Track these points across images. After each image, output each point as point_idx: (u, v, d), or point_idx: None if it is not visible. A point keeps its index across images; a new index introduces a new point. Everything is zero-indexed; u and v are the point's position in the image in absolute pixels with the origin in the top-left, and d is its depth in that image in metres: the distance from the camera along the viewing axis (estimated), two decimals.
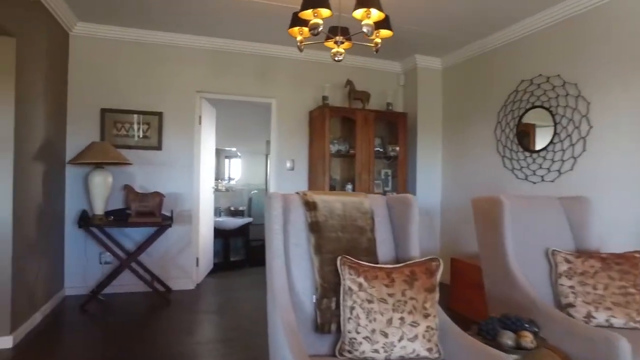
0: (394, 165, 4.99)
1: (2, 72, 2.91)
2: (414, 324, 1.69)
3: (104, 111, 4.19)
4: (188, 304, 4.04)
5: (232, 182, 6.77)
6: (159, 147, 4.36)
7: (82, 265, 4.15)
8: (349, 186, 4.68)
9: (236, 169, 6.81)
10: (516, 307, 2.06)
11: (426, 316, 1.72)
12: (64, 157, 4.04)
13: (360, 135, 4.60)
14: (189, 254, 4.51)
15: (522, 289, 2.06)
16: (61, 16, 3.78)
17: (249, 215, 6.77)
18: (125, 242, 4.28)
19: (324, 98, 4.67)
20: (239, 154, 6.80)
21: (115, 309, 3.84)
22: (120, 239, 4.25)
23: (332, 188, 4.73)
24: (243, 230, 6.41)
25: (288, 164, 4.82)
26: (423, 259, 1.88)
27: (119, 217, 4.05)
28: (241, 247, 6.49)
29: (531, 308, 2.01)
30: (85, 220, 3.80)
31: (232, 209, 6.62)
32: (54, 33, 3.78)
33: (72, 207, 4.07)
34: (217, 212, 6.41)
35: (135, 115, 4.29)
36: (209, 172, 5.13)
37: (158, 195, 4.03)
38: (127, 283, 4.10)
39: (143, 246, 4.01)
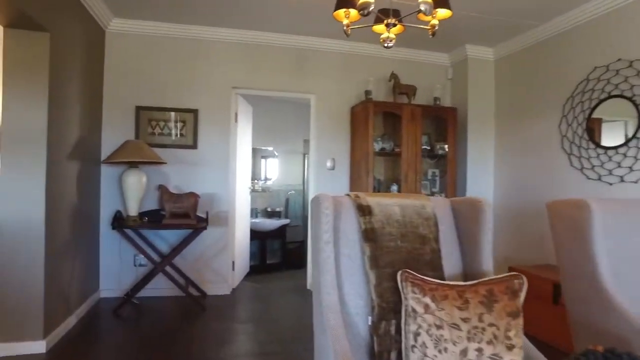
0: (441, 164, 4.63)
1: (36, 67, 2.79)
2: (495, 358, 1.37)
3: (139, 109, 4.07)
4: (224, 310, 3.84)
5: (269, 183, 6.57)
6: (194, 146, 4.20)
7: (116, 267, 4.04)
8: (394, 187, 4.35)
9: (273, 169, 6.61)
10: (613, 337, 1.69)
11: (510, 348, 1.39)
12: (99, 156, 3.93)
13: (407, 132, 4.27)
14: (224, 257, 4.32)
15: (621, 316, 1.68)
16: (97, 12, 3.67)
17: (286, 217, 6.56)
18: (160, 244, 4.14)
19: (367, 93, 4.37)
20: (276, 153, 6.60)
21: (149, 313, 3.69)
22: (154, 240, 4.12)
23: (376, 189, 4.42)
24: (280, 232, 6.21)
25: (328, 164, 4.54)
26: (501, 275, 1.55)
27: (153, 219, 3.91)
28: (278, 249, 6.31)
29: (634, 340, 1.64)
30: (119, 222, 3.67)
31: (268, 210, 6.43)
32: (90, 29, 3.67)
33: (107, 208, 3.97)
34: (254, 213, 6.23)
35: (171, 113, 4.14)
36: (245, 171, 4.94)
37: (193, 195, 3.86)
38: (162, 287, 3.96)
39: (177, 249, 3.84)
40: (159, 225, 3.81)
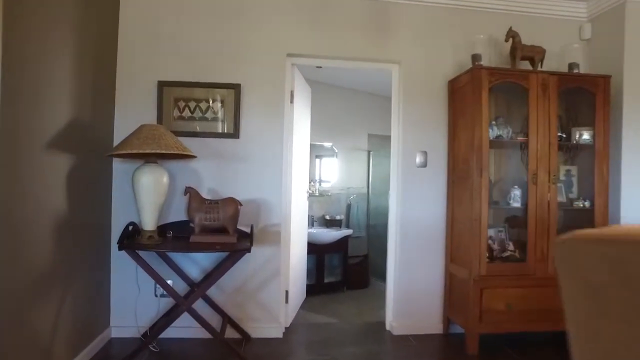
0: (583, 158, 3.23)
1: None
2: None
3: (162, 85, 3.01)
4: None
5: (326, 185, 5.40)
6: (235, 134, 3.09)
7: (132, 297, 3.00)
8: (516, 191, 3.01)
9: (330, 170, 5.43)
10: None
11: None
12: (108, 148, 2.90)
13: (536, 111, 2.92)
14: (275, 286, 3.17)
15: None
16: None
17: (347, 226, 5.38)
18: (190, 269, 3.06)
19: (475, 58, 3.07)
20: (335, 149, 5.42)
21: None
22: (182, 263, 3.04)
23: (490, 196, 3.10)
24: (340, 244, 5.06)
25: (418, 159, 3.28)
26: None
27: (180, 234, 2.85)
28: (337, 266, 5.17)
29: None
30: (130, 239, 2.62)
31: (327, 217, 5.26)
32: None
33: (121, 217, 2.93)
34: (309, 221, 5.10)
35: (204, 90, 3.05)
36: (302, 171, 3.78)
37: (232, 203, 2.75)
38: (191, 325, 2.84)
39: (211, 278, 2.73)
40: (182, 247, 2.71)
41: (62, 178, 2.31)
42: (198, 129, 3.04)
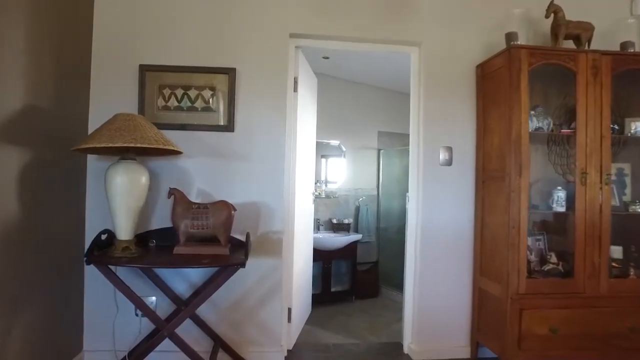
0: (633, 154, 2.78)
1: None
2: None
3: (144, 69, 2.58)
4: None
5: (332, 187, 4.97)
6: (229, 127, 2.64)
7: (109, 317, 2.56)
8: (559, 193, 2.55)
9: (337, 170, 5.00)
10: None
11: None
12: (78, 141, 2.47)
13: (585, 99, 2.47)
14: (276, 303, 2.72)
15: None
16: None
17: (356, 230, 4.95)
18: (175, 282, 2.63)
19: (510, 37, 2.61)
20: (342, 148, 4.98)
21: None
22: (166, 276, 2.60)
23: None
24: (348, 250, 4.66)
25: (442, 156, 2.82)
26: None
27: (166, 242, 2.42)
28: (345, 274, 4.79)
29: None
30: (102, 250, 2.19)
31: (334, 221, 4.83)
32: None
33: (97, 225, 2.49)
34: (315, 225, 4.68)
35: (193, 75, 2.61)
36: (308, 169, 3.34)
37: (225, 207, 2.31)
38: (178, 350, 2.41)
39: (199, 296, 2.29)
40: (162, 261, 2.26)
41: (11, 177, 1.88)
42: (186, 120, 2.60)
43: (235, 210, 2.35)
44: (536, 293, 2.41)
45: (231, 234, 2.36)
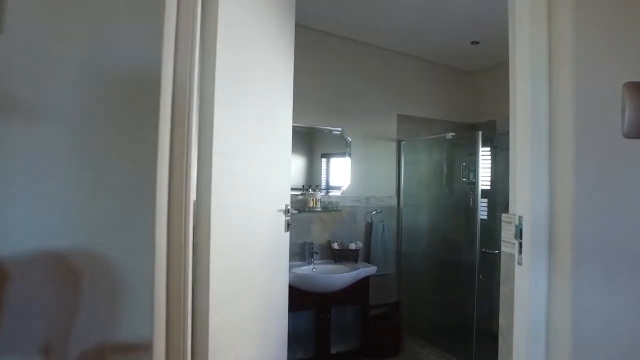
0: None
1: None
2: None
3: None
4: None
5: (334, 195, 3.35)
6: None
7: None
8: None
9: (338, 170, 3.40)
10: None
11: None
12: None
13: None
14: None
15: None
16: None
17: (367, 260, 3.37)
18: None
19: None
20: (347, 138, 3.37)
21: None
22: None
23: None
24: (357, 290, 3.11)
25: (630, 113, 1.17)
26: None
27: None
28: (351, 325, 3.25)
29: None
30: None
31: (335, 246, 3.21)
32: None
33: None
34: (301, 255, 3.09)
35: None
36: (271, 164, 1.72)
37: None
38: None
39: None
40: None
41: None
42: None
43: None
44: None
45: None
